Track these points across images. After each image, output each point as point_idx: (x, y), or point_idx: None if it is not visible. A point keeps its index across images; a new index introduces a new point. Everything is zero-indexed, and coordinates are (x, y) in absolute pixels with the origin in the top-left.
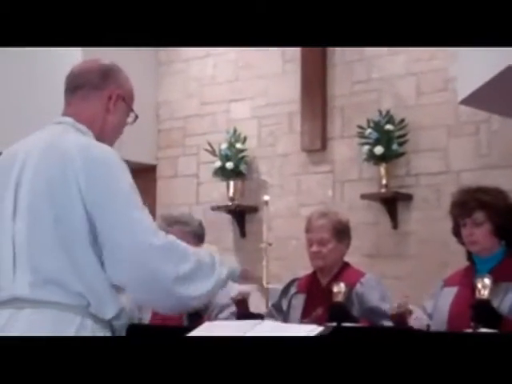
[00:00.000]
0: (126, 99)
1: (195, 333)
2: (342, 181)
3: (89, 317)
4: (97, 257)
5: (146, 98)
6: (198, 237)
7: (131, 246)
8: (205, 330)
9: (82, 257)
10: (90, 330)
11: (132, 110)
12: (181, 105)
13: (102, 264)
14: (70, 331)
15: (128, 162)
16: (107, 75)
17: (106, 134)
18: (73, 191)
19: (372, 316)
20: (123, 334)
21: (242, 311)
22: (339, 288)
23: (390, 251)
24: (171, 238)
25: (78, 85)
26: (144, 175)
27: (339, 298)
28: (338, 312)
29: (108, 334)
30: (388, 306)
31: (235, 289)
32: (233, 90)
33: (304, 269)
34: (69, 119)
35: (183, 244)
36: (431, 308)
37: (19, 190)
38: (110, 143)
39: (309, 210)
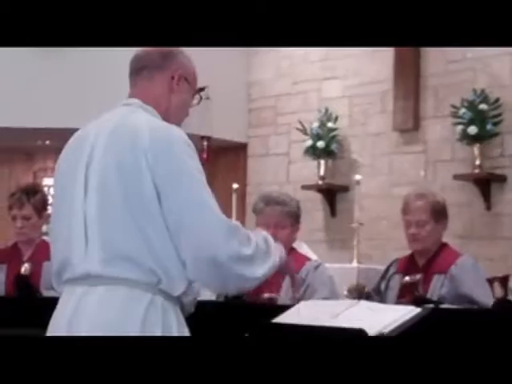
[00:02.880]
0: (188, 79)
1: (290, 312)
2: (434, 161)
3: (159, 294)
4: (167, 233)
5: (238, 77)
6: (294, 217)
7: (199, 224)
8: (300, 309)
9: (153, 233)
10: (161, 306)
11: (196, 92)
12: (272, 84)
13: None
14: (140, 308)
15: (219, 140)
16: (168, 56)
17: (172, 114)
18: (142, 168)
19: (463, 302)
20: (192, 309)
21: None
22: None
23: (483, 232)
24: (235, 221)
25: (142, 66)
26: (235, 153)
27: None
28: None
29: (178, 310)
30: (480, 292)
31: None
32: (325, 68)
33: (394, 249)
34: (136, 100)
35: (244, 229)
36: None
37: (89, 169)
38: (176, 123)
39: (400, 190)
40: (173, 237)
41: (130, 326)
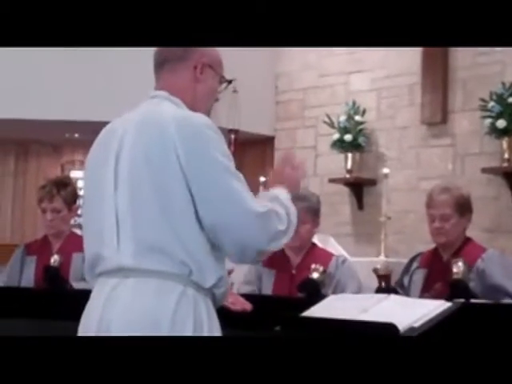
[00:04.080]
0: (213, 66)
1: (319, 305)
2: (462, 154)
3: (191, 285)
4: (198, 224)
5: (265, 70)
6: (314, 212)
7: (230, 214)
8: (329, 303)
9: (184, 224)
10: (192, 298)
11: (222, 77)
12: (300, 76)
13: (203, 231)
14: (171, 300)
15: (246, 133)
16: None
17: (199, 103)
18: (171, 160)
19: (494, 294)
20: (224, 301)
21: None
22: (458, 267)
23: (511, 226)
24: (266, 205)
25: (163, 59)
26: (262, 146)
27: (459, 276)
28: (458, 289)
29: (208, 302)
30: (511, 283)
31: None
32: (352, 61)
33: (421, 243)
34: (163, 93)
35: (269, 205)
36: None
37: (119, 163)
38: (205, 111)
39: (428, 183)
40: (211, 235)
41: (162, 316)
